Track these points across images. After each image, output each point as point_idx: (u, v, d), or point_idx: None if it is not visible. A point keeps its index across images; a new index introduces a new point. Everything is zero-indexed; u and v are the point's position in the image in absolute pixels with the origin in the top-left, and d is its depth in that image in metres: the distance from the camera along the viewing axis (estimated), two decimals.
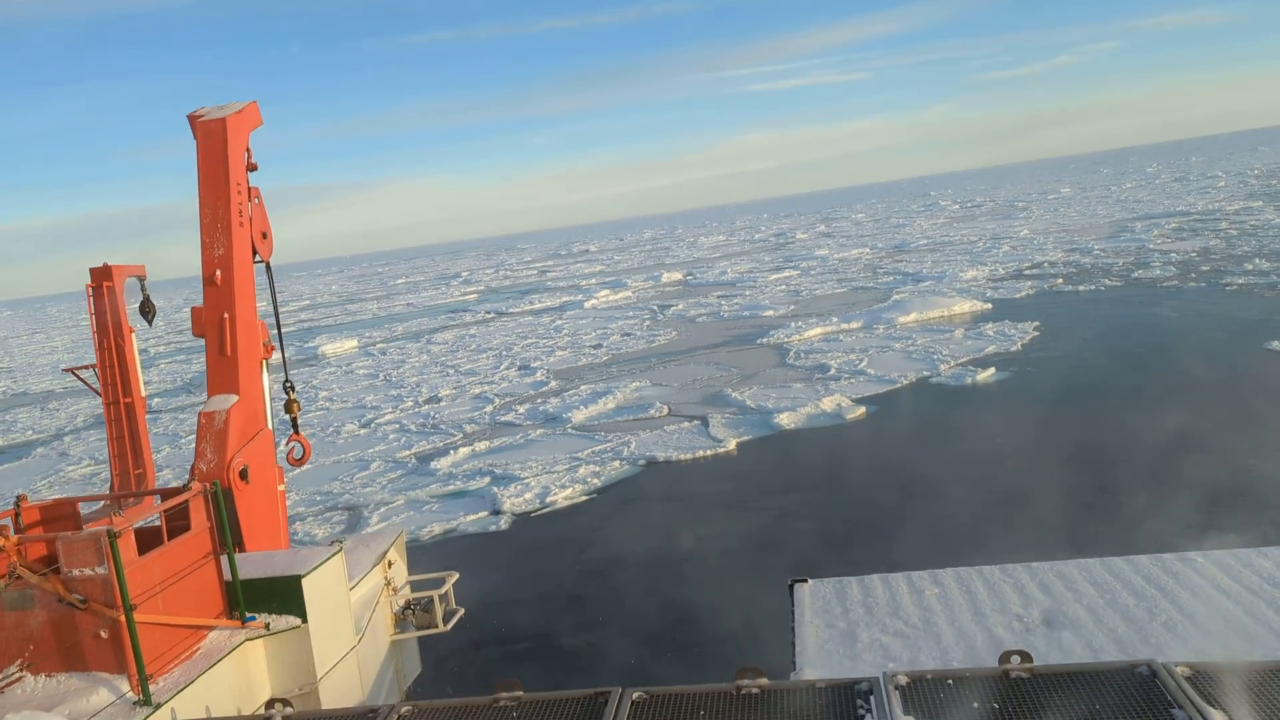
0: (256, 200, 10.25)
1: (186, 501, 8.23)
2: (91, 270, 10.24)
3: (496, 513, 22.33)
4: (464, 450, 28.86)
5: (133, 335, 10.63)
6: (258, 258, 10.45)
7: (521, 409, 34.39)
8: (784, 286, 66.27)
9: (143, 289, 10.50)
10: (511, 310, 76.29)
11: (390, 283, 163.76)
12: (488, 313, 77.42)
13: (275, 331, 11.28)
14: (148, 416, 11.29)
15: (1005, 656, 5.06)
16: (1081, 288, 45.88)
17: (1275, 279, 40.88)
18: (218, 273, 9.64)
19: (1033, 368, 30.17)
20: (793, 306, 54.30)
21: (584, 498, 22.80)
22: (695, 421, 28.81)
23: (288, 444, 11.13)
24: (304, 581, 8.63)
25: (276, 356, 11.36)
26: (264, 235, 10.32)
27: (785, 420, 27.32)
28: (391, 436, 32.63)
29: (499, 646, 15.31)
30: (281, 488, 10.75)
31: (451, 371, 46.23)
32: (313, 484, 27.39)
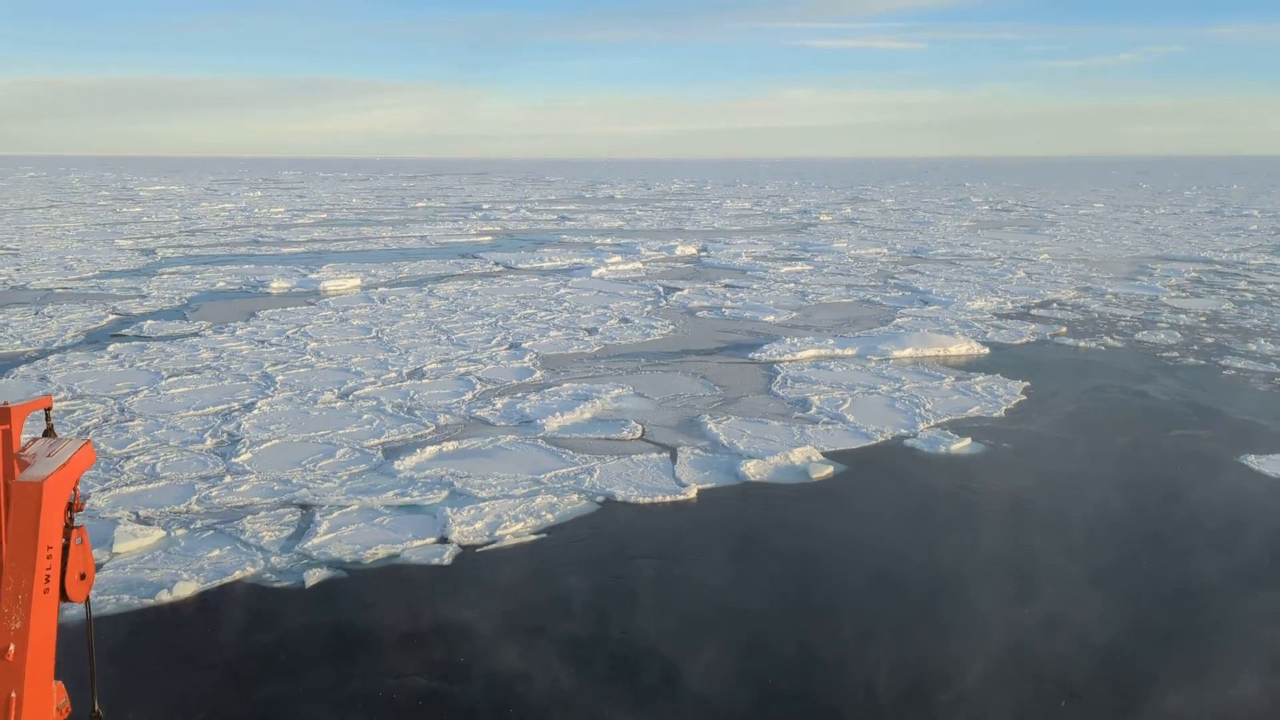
0: (79, 540, 9.63)
1: None
2: None
3: (444, 540, 22.43)
4: (431, 450, 28.90)
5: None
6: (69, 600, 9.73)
7: (499, 403, 34.36)
8: (792, 284, 65.81)
9: (48, 418, 10.12)
10: (520, 266, 75.98)
11: (410, 205, 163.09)
12: (496, 264, 77.16)
13: (89, 668, 10.63)
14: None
15: None
16: (1082, 344, 45.43)
17: (1274, 368, 40.41)
18: (11, 648, 9.03)
19: (1007, 444, 30.00)
20: (794, 313, 53.97)
21: (532, 537, 22.85)
22: (664, 454, 28.78)
23: None
24: None
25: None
26: (82, 576, 9.67)
27: (751, 470, 27.26)
28: (365, 416, 32.66)
29: None
30: None
31: (443, 339, 46.16)
32: (275, 466, 27.51)
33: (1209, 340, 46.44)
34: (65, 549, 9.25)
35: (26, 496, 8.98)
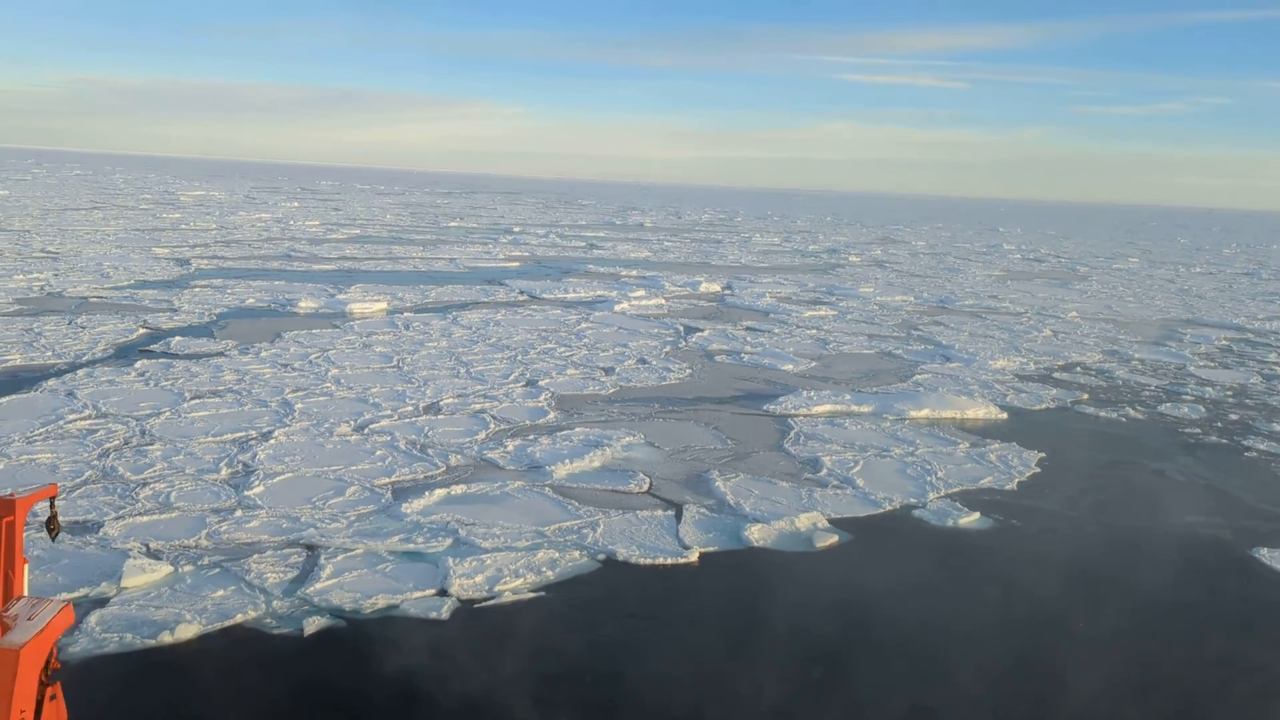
0: (53, 697, 10.00)
1: None
2: None
3: (443, 593, 22.63)
4: (439, 493, 29.14)
5: (24, 567, 10.67)
6: None
7: (510, 445, 34.59)
8: (814, 330, 65.83)
9: (52, 506, 10.42)
10: (544, 296, 76.51)
11: (443, 224, 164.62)
12: (520, 293, 77.72)
13: None
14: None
15: None
16: (1103, 414, 45.04)
17: None
18: None
19: (1016, 521, 29.85)
20: (814, 363, 53.93)
21: (530, 594, 22.99)
22: (669, 511, 28.86)
23: None
24: None
25: None
26: None
27: (755, 535, 27.28)
28: (379, 453, 33.00)
29: None
30: None
31: (462, 371, 46.54)
32: (286, 501, 27.83)
33: (1233, 417, 45.95)
34: (39, 704, 9.54)
35: (3, 663, 9.25)
